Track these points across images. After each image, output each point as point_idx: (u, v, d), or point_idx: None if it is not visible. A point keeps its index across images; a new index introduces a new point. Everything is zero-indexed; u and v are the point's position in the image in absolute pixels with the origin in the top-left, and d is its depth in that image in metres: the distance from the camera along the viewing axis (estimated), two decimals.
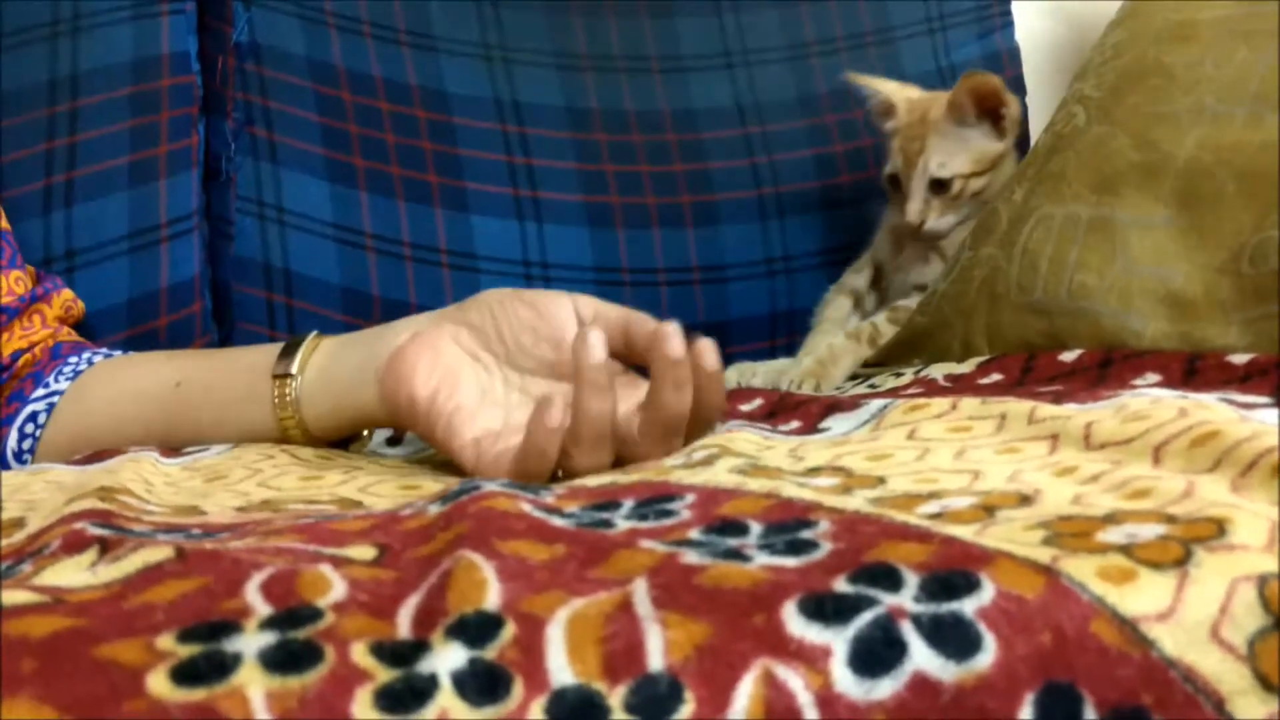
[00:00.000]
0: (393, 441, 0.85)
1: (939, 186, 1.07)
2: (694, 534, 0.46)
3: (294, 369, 0.76)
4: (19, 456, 0.81)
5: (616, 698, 0.37)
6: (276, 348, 0.78)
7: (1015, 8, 1.40)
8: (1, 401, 0.83)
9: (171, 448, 0.77)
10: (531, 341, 0.71)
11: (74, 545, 0.47)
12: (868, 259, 1.17)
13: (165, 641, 0.37)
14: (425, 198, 1.16)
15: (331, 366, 0.76)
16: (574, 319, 0.72)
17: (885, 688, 0.38)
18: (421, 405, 0.69)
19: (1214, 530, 0.43)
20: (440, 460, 0.75)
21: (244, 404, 0.78)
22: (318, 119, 1.15)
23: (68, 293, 0.94)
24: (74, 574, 0.44)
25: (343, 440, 0.81)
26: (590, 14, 1.25)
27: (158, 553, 0.44)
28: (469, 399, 0.70)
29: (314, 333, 0.78)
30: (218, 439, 0.78)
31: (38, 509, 0.58)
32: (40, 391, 0.83)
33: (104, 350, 0.88)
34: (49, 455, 0.80)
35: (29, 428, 0.82)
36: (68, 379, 0.83)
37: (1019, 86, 1.38)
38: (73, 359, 0.86)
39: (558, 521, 0.48)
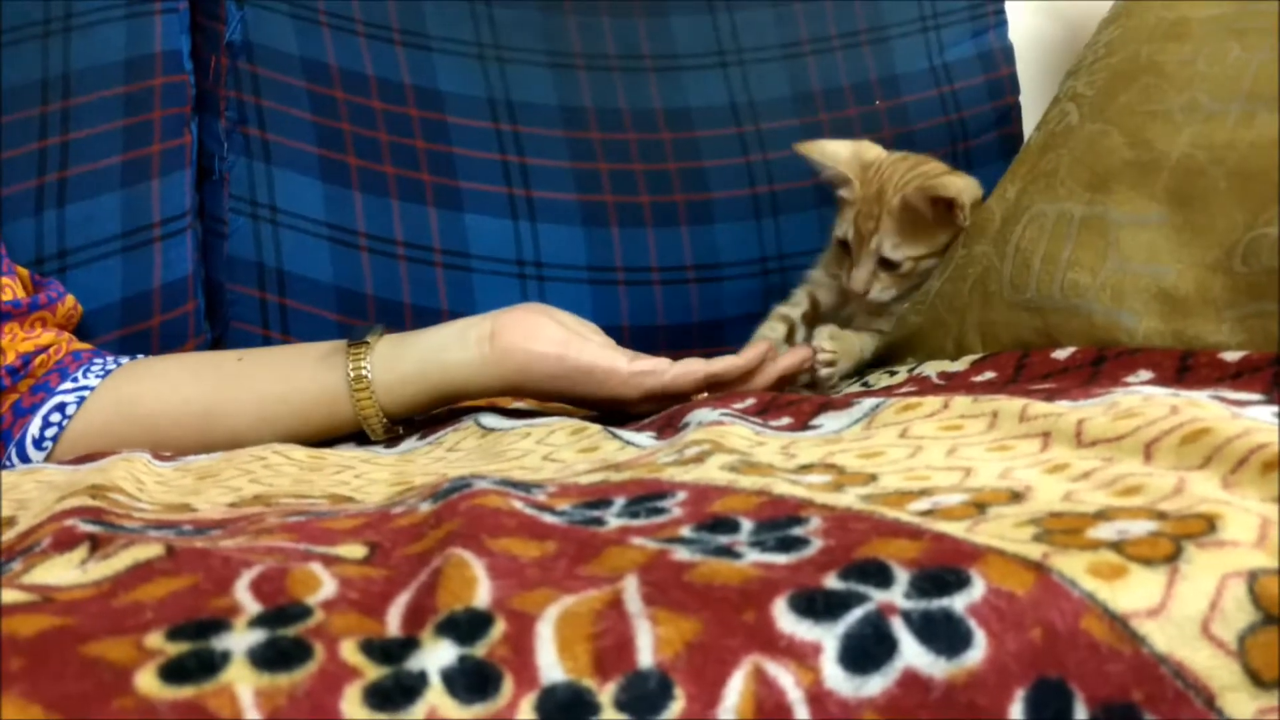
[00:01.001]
0: (390, 441, 0.85)
1: (888, 265, 1.03)
2: (685, 531, 0.46)
3: (370, 339, 0.85)
4: (39, 444, 0.83)
5: (607, 695, 0.37)
6: (340, 341, 0.87)
7: (1009, 6, 1.40)
8: (19, 397, 0.84)
9: (217, 429, 0.82)
10: (589, 331, 0.87)
11: (64, 543, 0.47)
12: (804, 293, 1.12)
13: (154, 639, 0.37)
14: (419, 197, 1.16)
15: (408, 341, 0.85)
16: (602, 332, 0.89)
17: (875, 684, 0.38)
18: (560, 344, 0.83)
19: (1204, 527, 0.43)
20: (431, 459, 0.75)
21: (314, 371, 0.85)
22: (311, 118, 1.15)
23: (70, 299, 0.94)
24: (64, 571, 0.44)
25: (341, 439, 0.84)
26: (584, 12, 1.25)
27: (148, 550, 0.44)
28: (596, 344, 0.84)
29: (380, 325, 0.87)
30: (277, 409, 0.84)
31: (29, 507, 0.57)
32: (68, 385, 0.85)
33: (130, 355, 0.90)
34: (79, 438, 0.83)
35: (54, 417, 0.83)
36: (98, 376, 0.86)
37: (1013, 85, 1.38)
38: (99, 360, 0.88)
39: (549, 519, 0.48)
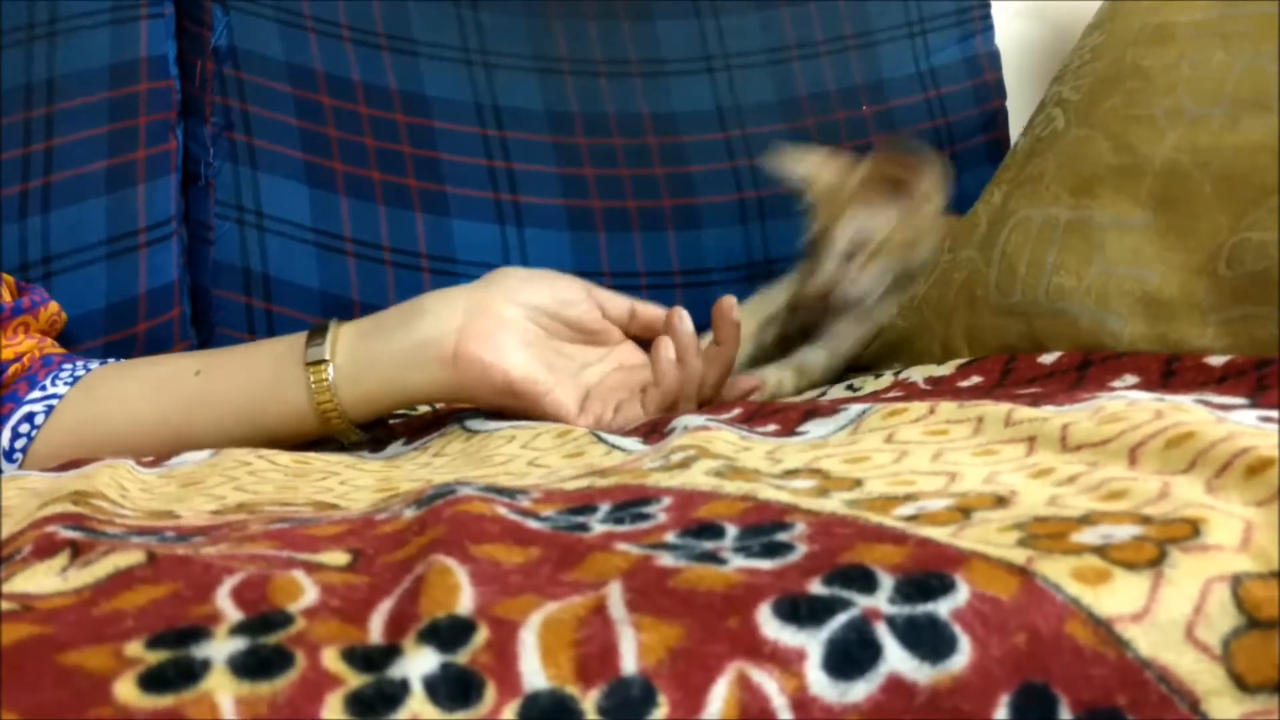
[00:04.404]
0: (376, 445, 0.85)
1: (851, 252, 1.02)
2: (670, 537, 0.46)
3: (326, 355, 0.80)
4: (9, 455, 0.82)
5: (590, 701, 0.36)
6: (297, 337, 0.82)
7: (995, 10, 1.40)
8: None
9: (184, 446, 0.78)
10: (560, 312, 0.83)
11: (45, 550, 0.47)
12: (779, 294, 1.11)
13: (134, 648, 0.37)
14: (405, 202, 1.16)
15: (369, 350, 0.81)
16: (585, 297, 0.84)
17: (860, 690, 0.38)
18: (519, 384, 0.78)
19: (1189, 531, 0.43)
20: (416, 464, 0.75)
21: (275, 387, 0.81)
22: (297, 123, 1.14)
23: (54, 305, 0.94)
24: (44, 579, 0.44)
25: (327, 439, 0.84)
26: (570, 17, 1.25)
27: (128, 557, 0.44)
28: (557, 374, 0.80)
29: (334, 320, 0.83)
30: (242, 428, 0.81)
31: (11, 515, 0.57)
32: (36, 394, 0.83)
33: (100, 359, 0.89)
34: (46, 452, 0.82)
35: (24, 428, 0.82)
36: (66, 383, 0.84)
37: (999, 89, 1.38)
38: (68, 366, 0.86)
39: (533, 525, 0.48)
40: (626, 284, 1.21)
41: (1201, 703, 0.39)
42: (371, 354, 0.81)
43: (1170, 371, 0.73)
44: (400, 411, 0.91)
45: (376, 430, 0.86)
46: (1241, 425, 0.53)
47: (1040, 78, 1.35)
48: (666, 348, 0.80)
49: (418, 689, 0.36)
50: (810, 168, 1.08)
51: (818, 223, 1.05)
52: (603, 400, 0.81)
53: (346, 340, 0.81)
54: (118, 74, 1.08)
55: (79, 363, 0.87)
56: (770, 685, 0.37)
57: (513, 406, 0.80)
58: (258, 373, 0.83)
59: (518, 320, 0.81)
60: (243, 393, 0.82)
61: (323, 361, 0.80)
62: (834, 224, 1.03)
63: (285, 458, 0.75)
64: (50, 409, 0.82)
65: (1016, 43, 1.45)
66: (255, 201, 1.12)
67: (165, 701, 0.35)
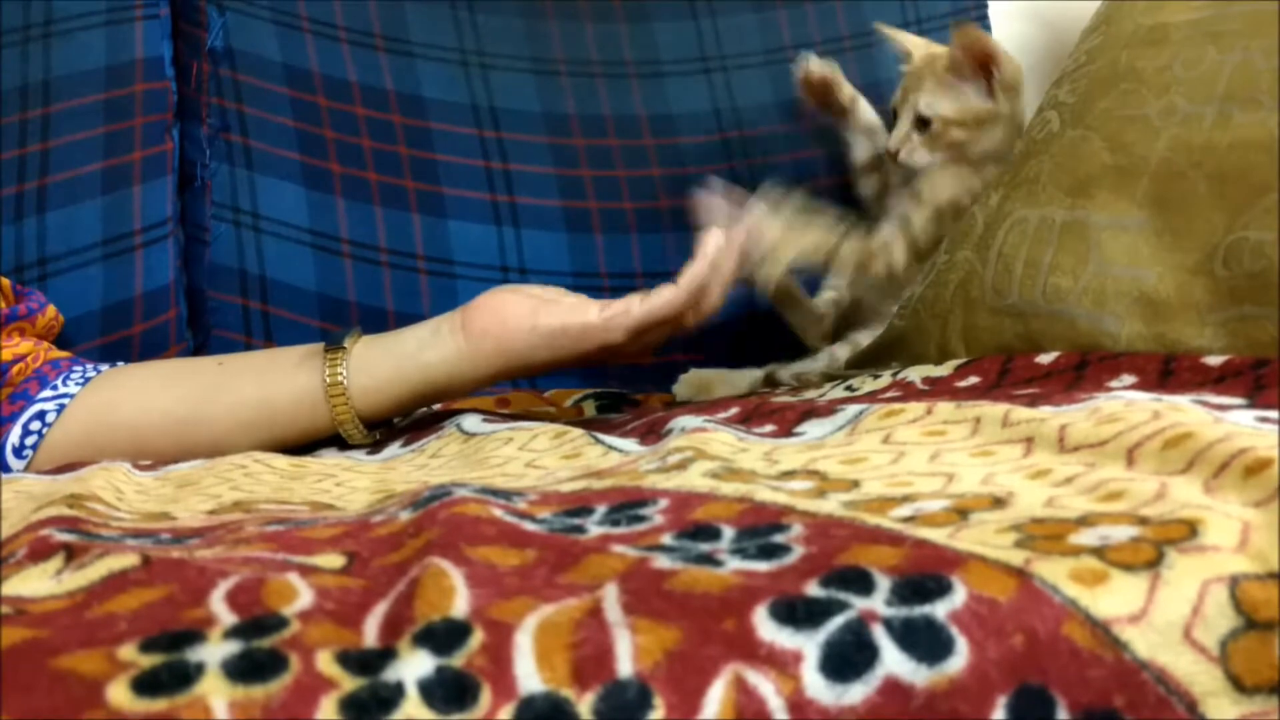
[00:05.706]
0: (373, 448, 0.85)
1: (921, 124, 1.13)
2: (666, 539, 0.46)
3: (346, 344, 0.84)
4: (19, 452, 0.82)
5: (585, 704, 0.36)
6: (317, 344, 0.86)
7: (992, 10, 1.40)
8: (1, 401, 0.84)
9: (195, 438, 0.82)
10: (559, 294, 0.87)
11: (40, 553, 0.47)
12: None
13: (127, 652, 0.37)
14: (402, 203, 1.16)
15: (385, 343, 0.85)
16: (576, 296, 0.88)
17: (856, 692, 0.37)
18: (530, 311, 0.83)
19: (1186, 532, 0.43)
20: (413, 466, 0.74)
21: (294, 373, 0.84)
22: (293, 124, 1.14)
23: (51, 310, 0.94)
24: (38, 582, 0.44)
25: (328, 440, 0.85)
26: (566, 18, 1.25)
27: (123, 560, 0.44)
28: (566, 304, 0.84)
29: (356, 328, 0.87)
30: (257, 421, 0.83)
31: (6, 518, 0.57)
32: (48, 393, 0.84)
33: (110, 363, 0.90)
34: (59, 447, 0.82)
35: (34, 425, 0.83)
36: (78, 384, 0.85)
37: None
38: (78, 368, 0.87)
39: (529, 526, 0.48)
40: (623, 285, 1.21)
41: (1199, 704, 0.39)
42: (386, 345, 0.85)
43: (1168, 371, 0.73)
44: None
45: (379, 431, 0.86)
46: (1239, 426, 0.53)
47: (1037, 78, 1.35)
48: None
49: (412, 692, 0.36)
50: (911, 44, 1.19)
51: (901, 89, 1.16)
52: (625, 299, 0.85)
53: (366, 341, 0.86)
54: (114, 75, 1.08)
55: (89, 365, 0.88)
56: (766, 687, 0.37)
57: (532, 345, 0.83)
58: (277, 365, 0.86)
59: (513, 291, 0.87)
60: (259, 381, 0.85)
61: (341, 349, 0.84)
62: (912, 93, 1.14)
63: (282, 461, 0.76)
64: (62, 407, 0.83)
65: (1013, 43, 1.44)
66: (251, 203, 1.12)
67: (158, 705, 0.34)
